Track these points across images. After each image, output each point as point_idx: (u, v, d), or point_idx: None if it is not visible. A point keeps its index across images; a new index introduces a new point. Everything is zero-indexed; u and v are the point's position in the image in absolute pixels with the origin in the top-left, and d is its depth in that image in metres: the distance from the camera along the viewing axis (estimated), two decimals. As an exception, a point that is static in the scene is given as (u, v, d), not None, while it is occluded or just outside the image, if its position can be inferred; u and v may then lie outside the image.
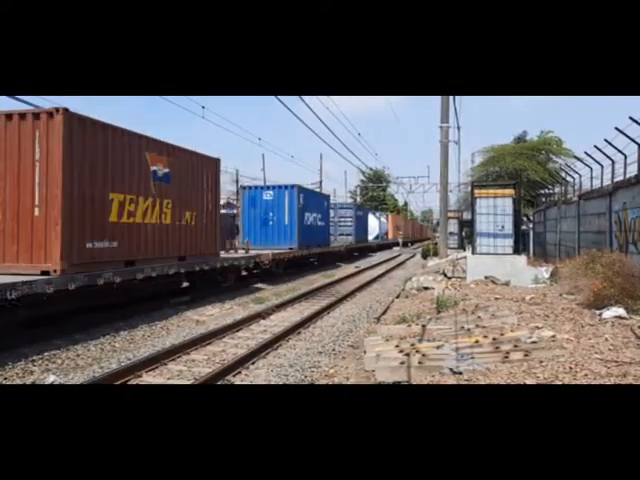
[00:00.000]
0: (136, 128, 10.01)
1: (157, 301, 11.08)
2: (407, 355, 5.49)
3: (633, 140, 9.80)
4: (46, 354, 7.12)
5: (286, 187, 18.88)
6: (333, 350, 7.63)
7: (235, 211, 22.19)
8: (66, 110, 7.93)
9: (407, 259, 31.10)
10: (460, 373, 4.96)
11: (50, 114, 7.90)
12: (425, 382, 4.86)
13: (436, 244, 24.76)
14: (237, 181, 33.42)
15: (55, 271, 7.73)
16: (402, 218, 58.63)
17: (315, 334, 8.86)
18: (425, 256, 26.99)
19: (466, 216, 28.50)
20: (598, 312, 7.02)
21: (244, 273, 16.23)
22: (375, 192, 61.49)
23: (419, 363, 5.25)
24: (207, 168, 12.51)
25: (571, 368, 4.77)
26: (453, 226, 29.83)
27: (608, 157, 11.68)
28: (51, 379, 6.11)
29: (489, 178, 23.80)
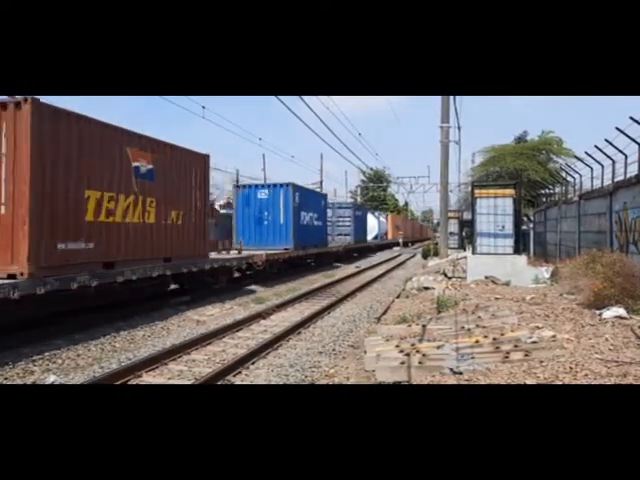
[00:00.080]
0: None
1: (157, 301, 11.05)
2: (407, 355, 5.49)
3: (633, 140, 9.80)
4: (46, 354, 7.13)
5: (281, 185, 18.47)
6: (333, 350, 7.63)
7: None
8: (35, 100, 7.25)
9: (407, 259, 31.09)
10: (460, 373, 4.96)
11: (17, 104, 7.22)
12: (425, 382, 4.86)
13: (436, 244, 24.78)
14: (237, 181, 33.41)
15: (22, 274, 7.14)
16: (402, 218, 58.59)
17: (315, 334, 8.86)
18: (425, 256, 27.01)
19: (466, 216, 28.45)
20: (598, 312, 7.02)
21: (237, 275, 15.94)
22: (376, 192, 61.50)
23: (419, 363, 5.25)
24: (196, 165, 11.88)
25: (571, 368, 4.77)
26: (453, 226, 29.79)
27: (609, 157, 11.67)
28: (51, 379, 6.11)
29: (489, 178, 23.80)
